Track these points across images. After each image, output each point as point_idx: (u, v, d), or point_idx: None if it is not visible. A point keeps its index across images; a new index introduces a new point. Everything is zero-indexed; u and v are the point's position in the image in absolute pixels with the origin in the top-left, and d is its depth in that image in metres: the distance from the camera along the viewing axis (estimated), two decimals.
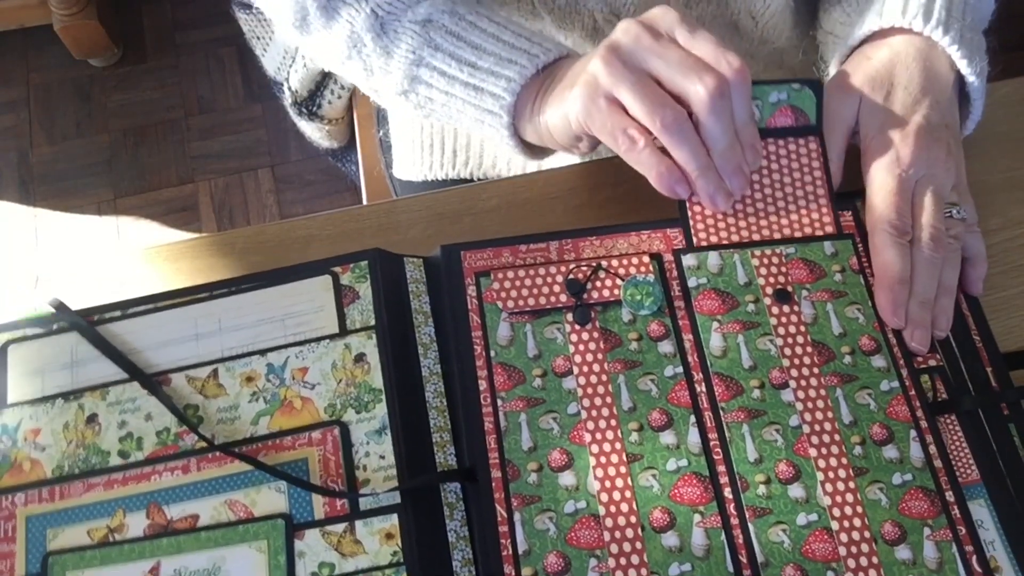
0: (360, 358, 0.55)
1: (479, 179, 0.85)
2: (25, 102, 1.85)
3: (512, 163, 0.83)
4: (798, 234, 0.58)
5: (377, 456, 0.52)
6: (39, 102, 1.85)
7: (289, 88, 0.95)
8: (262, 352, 0.55)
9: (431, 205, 0.65)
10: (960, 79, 0.60)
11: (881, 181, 0.57)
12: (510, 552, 0.49)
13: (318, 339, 0.56)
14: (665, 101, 0.53)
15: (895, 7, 0.60)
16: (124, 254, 0.64)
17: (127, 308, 0.57)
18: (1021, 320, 0.60)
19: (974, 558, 0.50)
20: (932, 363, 0.56)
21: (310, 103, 0.97)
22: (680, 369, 0.54)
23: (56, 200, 1.75)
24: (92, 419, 0.54)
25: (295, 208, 1.75)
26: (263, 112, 1.84)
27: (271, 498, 0.51)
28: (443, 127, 0.83)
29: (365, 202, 1.04)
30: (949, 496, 0.51)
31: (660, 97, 0.53)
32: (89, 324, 0.56)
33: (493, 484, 0.50)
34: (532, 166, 0.75)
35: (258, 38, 0.94)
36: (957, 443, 0.53)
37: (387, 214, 0.65)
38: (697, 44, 0.54)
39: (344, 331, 0.55)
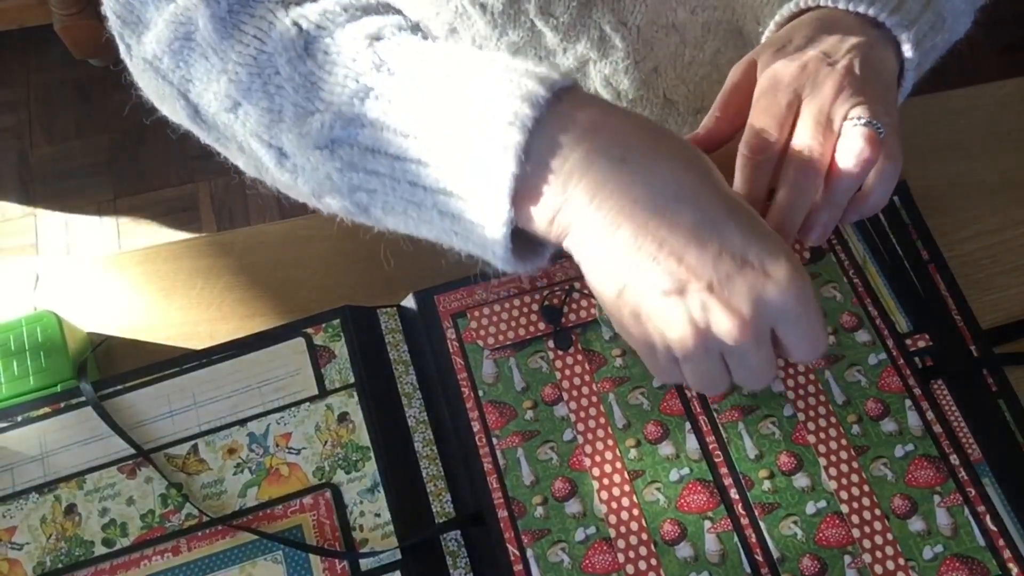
0: (343, 417, 0.54)
1: None
2: (25, 102, 1.84)
3: None
4: None
5: (372, 514, 0.52)
6: (39, 102, 1.84)
7: None
8: (242, 422, 0.55)
9: None
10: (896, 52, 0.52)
11: (754, 106, 0.49)
12: None
13: (298, 403, 0.55)
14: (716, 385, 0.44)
15: None
16: (124, 254, 0.64)
17: (95, 392, 0.56)
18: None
19: (987, 518, 0.50)
20: (921, 344, 0.56)
21: None
22: None
23: (56, 200, 1.74)
24: (71, 510, 0.53)
25: (295, 208, 1.73)
26: None
27: (268, 570, 0.51)
28: None
29: None
30: (954, 459, 0.51)
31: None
32: (56, 411, 0.56)
33: (501, 524, 0.50)
34: None
35: None
36: (952, 414, 0.53)
37: None
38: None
39: (324, 392, 0.55)
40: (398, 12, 0.47)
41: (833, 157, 0.46)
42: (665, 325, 0.41)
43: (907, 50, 0.52)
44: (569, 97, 0.40)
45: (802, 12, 0.55)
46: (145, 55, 0.49)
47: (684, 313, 0.40)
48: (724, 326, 0.40)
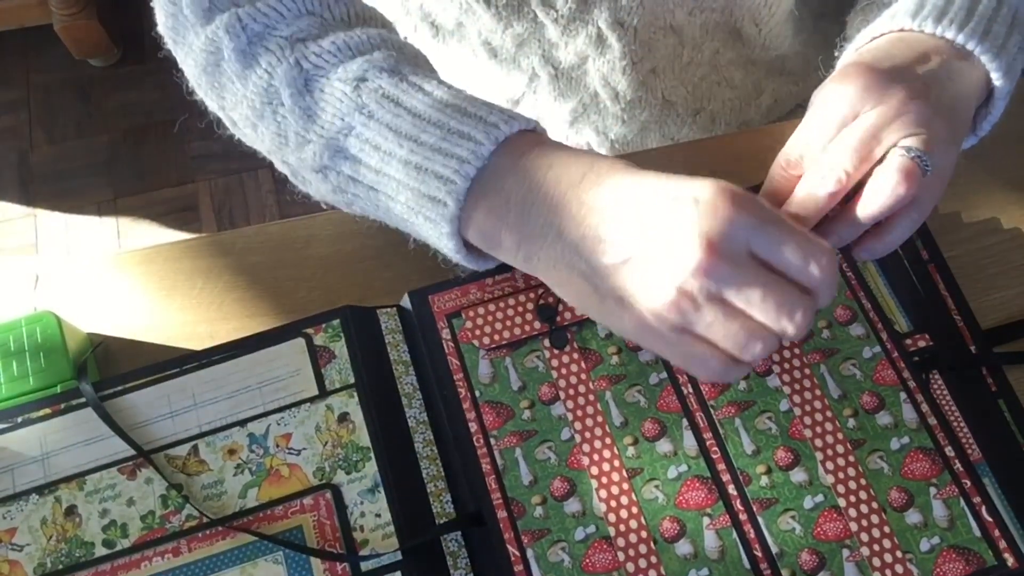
0: (344, 418, 0.55)
1: None
2: (25, 102, 1.84)
3: None
4: None
5: (373, 515, 0.52)
6: (39, 102, 1.84)
7: None
8: (242, 423, 0.55)
9: None
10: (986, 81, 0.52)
11: (810, 111, 0.50)
12: None
13: (298, 403, 0.55)
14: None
15: (907, 8, 0.52)
16: (124, 254, 0.64)
17: (95, 392, 0.56)
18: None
19: (983, 508, 0.50)
20: (921, 344, 0.56)
21: None
22: (664, 375, 0.54)
23: (56, 200, 1.74)
24: (71, 511, 0.53)
25: (295, 208, 1.72)
26: None
27: (269, 571, 0.51)
28: None
29: None
30: (949, 451, 0.52)
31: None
32: (56, 412, 0.56)
33: (501, 524, 0.50)
34: None
35: None
36: (947, 406, 0.54)
37: None
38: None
39: (324, 392, 0.55)
40: (388, 44, 0.51)
41: (863, 181, 0.46)
42: (639, 290, 0.42)
43: (997, 78, 0.52)
44: (503, 154, 0.45)
45: (881, 35, 0.53)
46: (191, 73, 0.57)
47: (648, 272, 0.42)
48: (689, 258, 0.40)
